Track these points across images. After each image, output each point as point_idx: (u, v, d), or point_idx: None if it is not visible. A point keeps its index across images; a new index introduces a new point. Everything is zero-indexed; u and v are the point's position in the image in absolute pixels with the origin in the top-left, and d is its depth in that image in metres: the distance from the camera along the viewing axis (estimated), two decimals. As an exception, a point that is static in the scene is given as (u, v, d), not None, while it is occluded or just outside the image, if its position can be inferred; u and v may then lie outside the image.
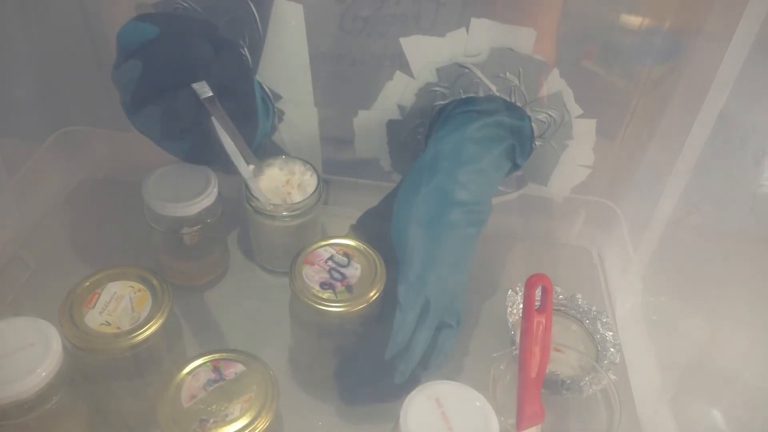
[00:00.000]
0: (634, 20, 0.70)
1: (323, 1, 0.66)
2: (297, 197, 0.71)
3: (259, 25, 0.68)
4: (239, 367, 0.52)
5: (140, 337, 0.54)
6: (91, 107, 0.82)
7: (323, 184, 0.73)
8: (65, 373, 0.52)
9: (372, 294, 0.60)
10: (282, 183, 0.72)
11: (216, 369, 0.52)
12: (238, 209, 0.75)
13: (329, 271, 0.62)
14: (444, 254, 0.62)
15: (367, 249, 0.64)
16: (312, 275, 0.61)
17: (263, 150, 0.77)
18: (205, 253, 0.74)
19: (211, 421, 0.49)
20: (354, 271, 0.62)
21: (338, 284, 0.60)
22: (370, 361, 0.61)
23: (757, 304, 0.61)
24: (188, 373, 0.52)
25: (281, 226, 0.72)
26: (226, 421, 0.49)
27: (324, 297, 0.59)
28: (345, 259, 0.63)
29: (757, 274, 0.62)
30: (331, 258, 0.63)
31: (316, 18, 0.67)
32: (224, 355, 0.53)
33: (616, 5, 0.69)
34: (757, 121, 0.65)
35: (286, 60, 0.70)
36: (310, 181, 0.73)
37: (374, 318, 0.62)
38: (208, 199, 0.69)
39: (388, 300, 0.62)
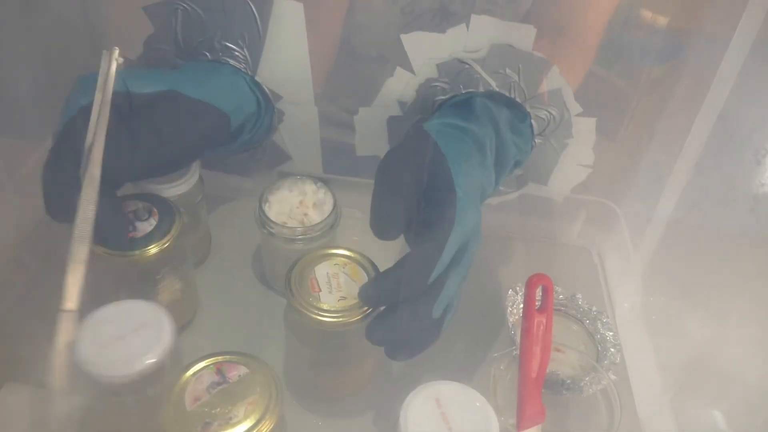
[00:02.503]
0: (634, 20, 0.70)
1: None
2: (315, 218, 0.70)
3: (259, 24, 0.68)
4: (242, 370, 0.52)
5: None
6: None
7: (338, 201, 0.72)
8: (176, 353, 0.55)
9: (149, 249, 0.61)
10: (295, 204, 0.71)
11: (219, 371, 0.52)
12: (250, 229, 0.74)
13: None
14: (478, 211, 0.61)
15: (173, 210, 0.65)
16: None
17: (263, 151, 0.77)
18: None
19: (215, 423, 0.49)
20: (147, 227, 0.63)
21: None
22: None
23: (758, 304, 0.61)
24: (191, 376, 0.52)
25: (300, 249, 0.70)
26: (230, 423, 0.49)
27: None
28: (146, 214, 0.64)
29: (758, 274, 0.62)
30: (134, 211, 0.64)
31: (319, 16, 0.67)
32: (227, 357, 0.53)
33: (617, 4, 0.69)
34: (758, 119, 0.65)
35: (286, 60, 0.70)
36: (324, 199, 0.72)
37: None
38: (189, 182, 0.70)
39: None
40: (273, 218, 0.69)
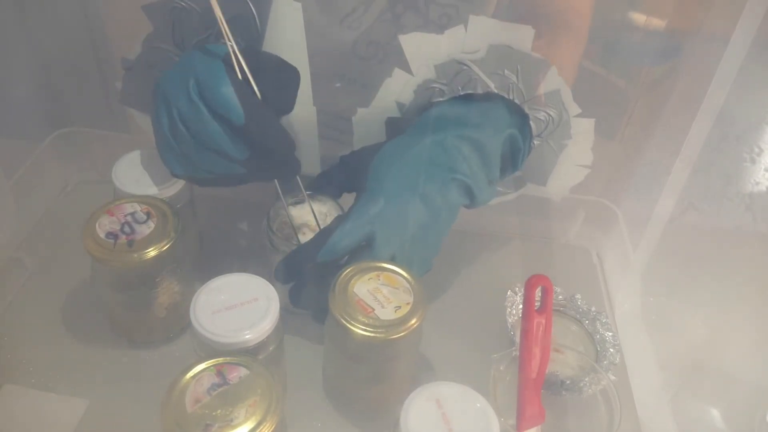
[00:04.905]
0: (633, 20, 0.70)
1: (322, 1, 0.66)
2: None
3: (258, 24, 0.68)
4: (243, 371, 0.52)
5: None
6: (91, 108, 0.82)
7: None
8: (282, 327, 0.61)
9: (148, 251, 0.61)
10: (309, 221, 0.70)
11: (220, 373, 0.52)
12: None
13: (122, 224, 0.63)
14: (418, 212, 0.65)
15: (171, 212, 0.65)
16: (105, 224, 0.63)
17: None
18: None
19: (216, 425, 0.48)
20: (145, 229, 0.63)
21: (123, 237, 0.62)
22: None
23: (756, 302, 0.61)
24: (192, 378, 0.52)
25: None
26: (231, 425, 0.48)
27: (101, 245, 0.61)
28: (144, 217, 0.64)
29: (756, 272, 0.62)
30: (132, 213, 0.64)
31: (315, 17, 0.67)
32: (228, 359, 0.53)
33: (616, 5, 0.69)
34: (752, 118, 0.65)
35: (285, 59, 0.70)
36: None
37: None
38: (176, 184, 0.70)
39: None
40: (277, 230, 0.69)
